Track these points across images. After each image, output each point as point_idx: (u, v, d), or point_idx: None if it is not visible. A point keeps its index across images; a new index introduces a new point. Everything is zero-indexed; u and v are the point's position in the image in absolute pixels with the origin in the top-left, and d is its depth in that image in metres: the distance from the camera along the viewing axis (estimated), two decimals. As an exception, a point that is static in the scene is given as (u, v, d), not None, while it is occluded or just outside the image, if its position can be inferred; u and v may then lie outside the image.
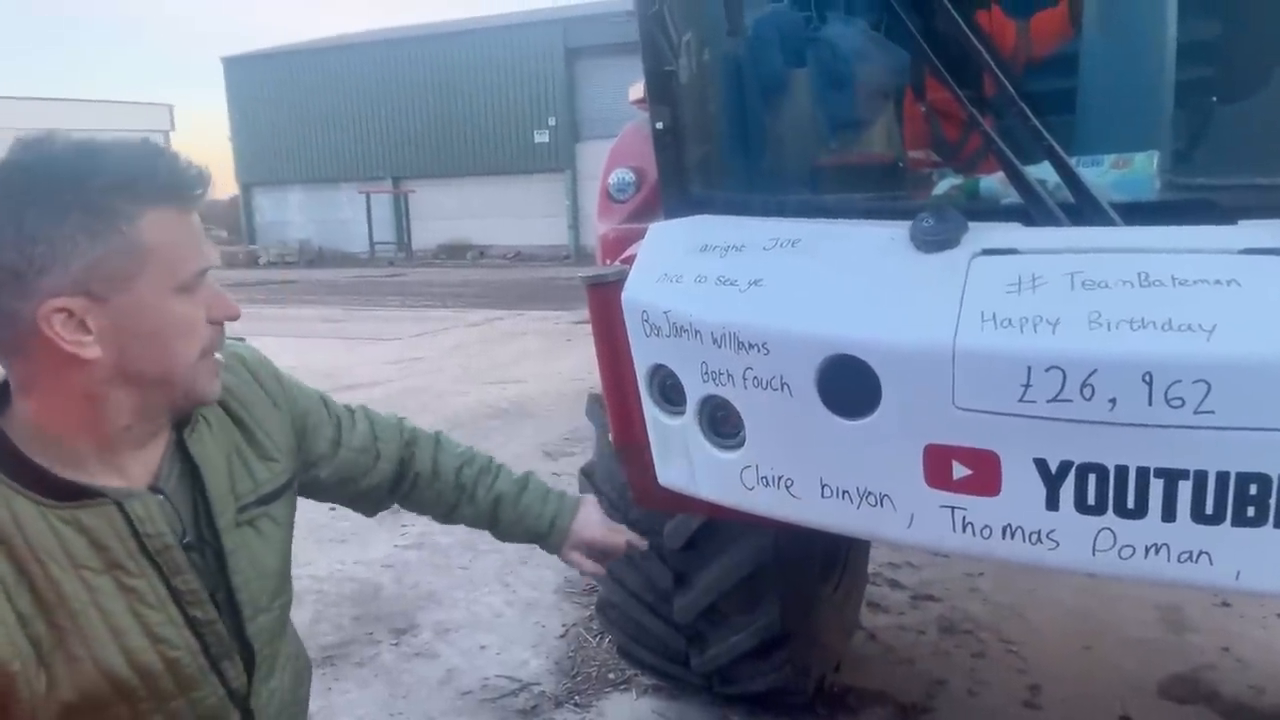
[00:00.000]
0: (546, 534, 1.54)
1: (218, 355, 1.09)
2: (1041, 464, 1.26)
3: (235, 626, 1.14)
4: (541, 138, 24.01)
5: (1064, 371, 1.19)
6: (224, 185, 28.92)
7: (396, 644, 3.52)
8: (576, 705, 3.07)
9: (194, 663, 1.08)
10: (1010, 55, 2.43)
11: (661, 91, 1.78)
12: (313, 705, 1.38)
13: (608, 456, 2.45)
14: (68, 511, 1.00)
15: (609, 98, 20.68)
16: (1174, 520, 1.21)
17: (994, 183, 1.59)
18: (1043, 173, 1.42)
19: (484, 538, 4.61)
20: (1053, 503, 1.27)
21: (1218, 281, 1.18)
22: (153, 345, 1.00)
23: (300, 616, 3.55)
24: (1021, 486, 1.28)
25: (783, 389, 1.44)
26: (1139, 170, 1.47)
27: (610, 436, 2.04)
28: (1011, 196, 1.46)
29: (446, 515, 1.53)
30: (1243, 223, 1.28)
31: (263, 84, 27.15)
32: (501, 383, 8.18)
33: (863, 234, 1.48)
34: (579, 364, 8.55)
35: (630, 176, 2.51)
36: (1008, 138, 1.46)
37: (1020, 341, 1.22)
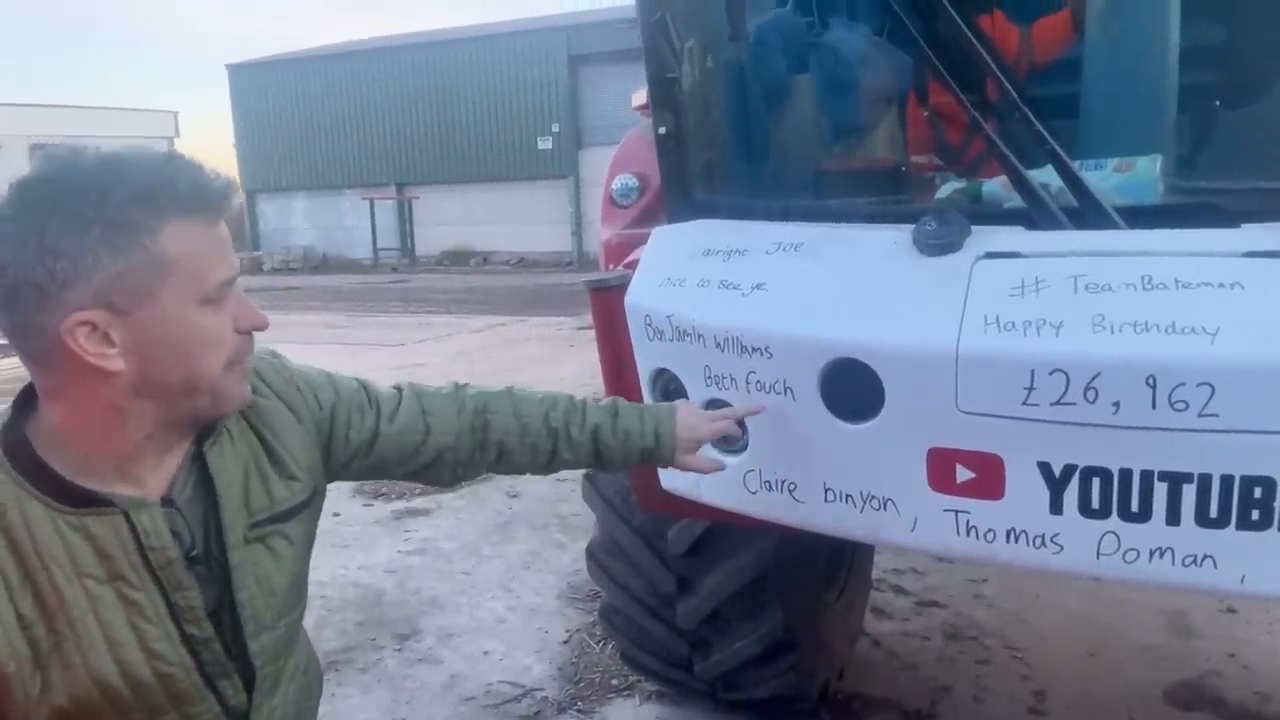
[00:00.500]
0: (655, 447, 1.46)
1: (246, 363, 1.09)
2: (1045, 467, 1.25)
3: (238, 643, 1.13)
4: (545, 144, 24.04)
5: (1067, 375, 1.19)
6: (228, 192, 28.84)
7: (399, 649, 3.51)
8: (579, 711, 3.07)
9: (188, 679, 1.08)
10: (1013, 60, 2.43)
11: (664, 97, 1.79)
12: (317, 710, 1.38)
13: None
14: (77, 518, 1.00)
15: (612, 104, 20.71)
16: (1178, 524, 1.21)
17: (996, 186, 1.59)
18: (1046, 176, 1.42)
19: (487, 543, 4.59)
20: (1057, 506, 1.26)
21: (1221, 284, 1.18)
22: (177, 357, 1.00)
23: (304, 622, 3.55)
24: (1025, 490, 1.28)
25: (786, 393, 1.44)
26: (1142, 174, 1.47)
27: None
28: (1014, 200, 1.46)
29: (546, 465, 1.46)
30: (1246, 226, 1.28)
31: (267, 91, 27.23)
32: (505, 389, 8.18)
33: (866, 238, 1.48)
34: (582, 370, 8.54)
35: (633, 182, 2.52)
36: (1010, 142, 1.46)
37: (1024, 345, 1.22)
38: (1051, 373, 1.20)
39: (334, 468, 1.29)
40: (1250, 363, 1.13)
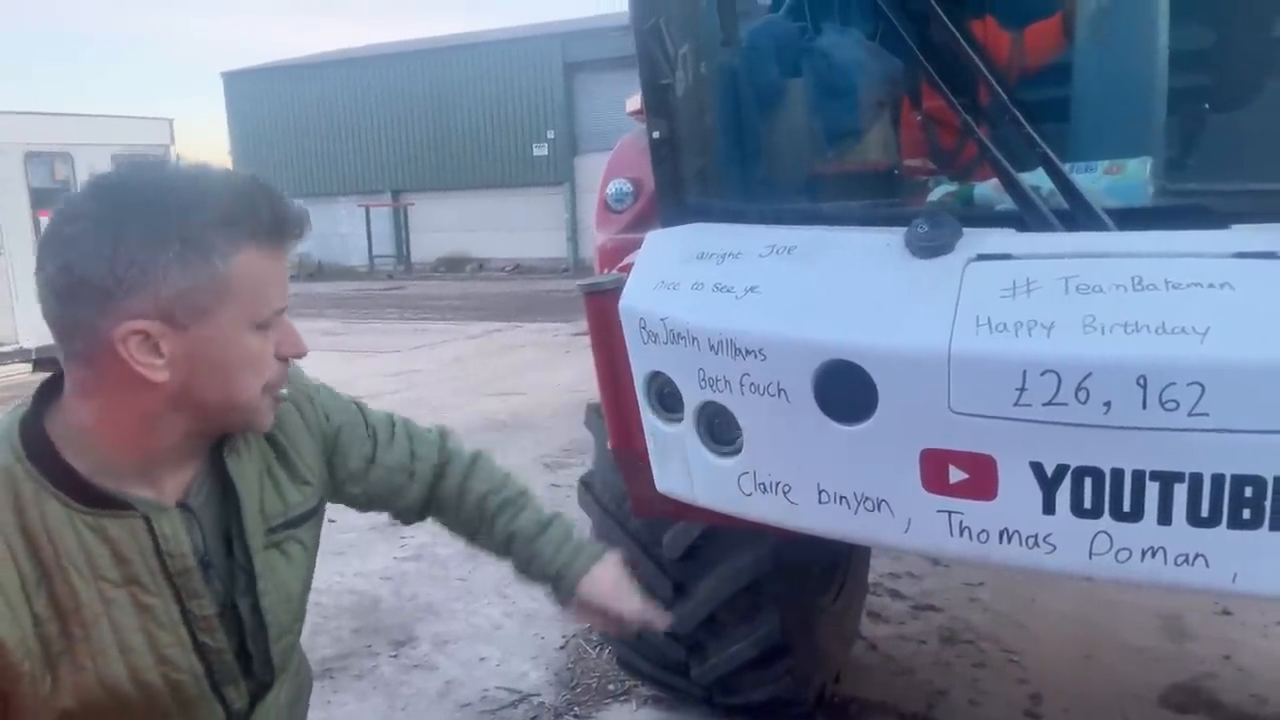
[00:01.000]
0: (555, 582, 1.42)
1: (283, 391, 1.10)
2: (1038, 467, 1.26)
3: (258, 648, 1.14)
4: (540, 151, 24.08)
5: (1059, 375, 1.20)
6: (224, 199, 28.83)
7: (395, 656, 3.51)
8: (576, 717, 3.06)
9: (196, 686, 1.08)
10: (1005, 65, 2.44)
11: (658, 103, 1.80)
12: (311, 717, 1.38)
13: (606, 466, 2.45)
14: (95, 519, 1.00)
15: (607, 111, 20.75)
16: (1170, 523, 1.21)
17: (988, 189, 1.60)
18: (1036, 179, 1.43)
19: (483, 549, 4.53)
20: (1049, 506, 1.27)
21: (1211, 285, 1.19)
22: (219, 376, 1.01)
23: (299, 629, 3.54)
24: (1018, 490, 1.28)
25: (780, 395, 1.45)
26: (1132, 176, 1.48)
27: (609, 444, 2.04)
28: (1005, 203, 1.47)
29: (469, 540, 1.47)
30: (1236, 227, 1.29)
31: (262, 98, 27.26)
32: (501, 395, 8.18)
33: (858, 240, 1.49)
34: (578, 376, 8.54)
35: (628, 187, 2.53)
36: (1002, 145, 1.47)
37: (1015, 345, 1.23)
38: (1043, 373, 1.21)
39: (334, 484, 1.30)
40: (1240, 362, 1.14)
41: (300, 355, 1.11)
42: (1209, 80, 1.87)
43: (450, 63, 24.93)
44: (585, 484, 2.69)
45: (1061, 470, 1.25)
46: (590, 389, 2.14)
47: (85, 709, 1.02)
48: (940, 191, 1.76)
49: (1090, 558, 1.26)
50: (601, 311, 1.83)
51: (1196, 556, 1.22)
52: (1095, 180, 1.48)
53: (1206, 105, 1.79)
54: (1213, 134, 1.77)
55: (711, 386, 1.56)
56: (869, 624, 3.51)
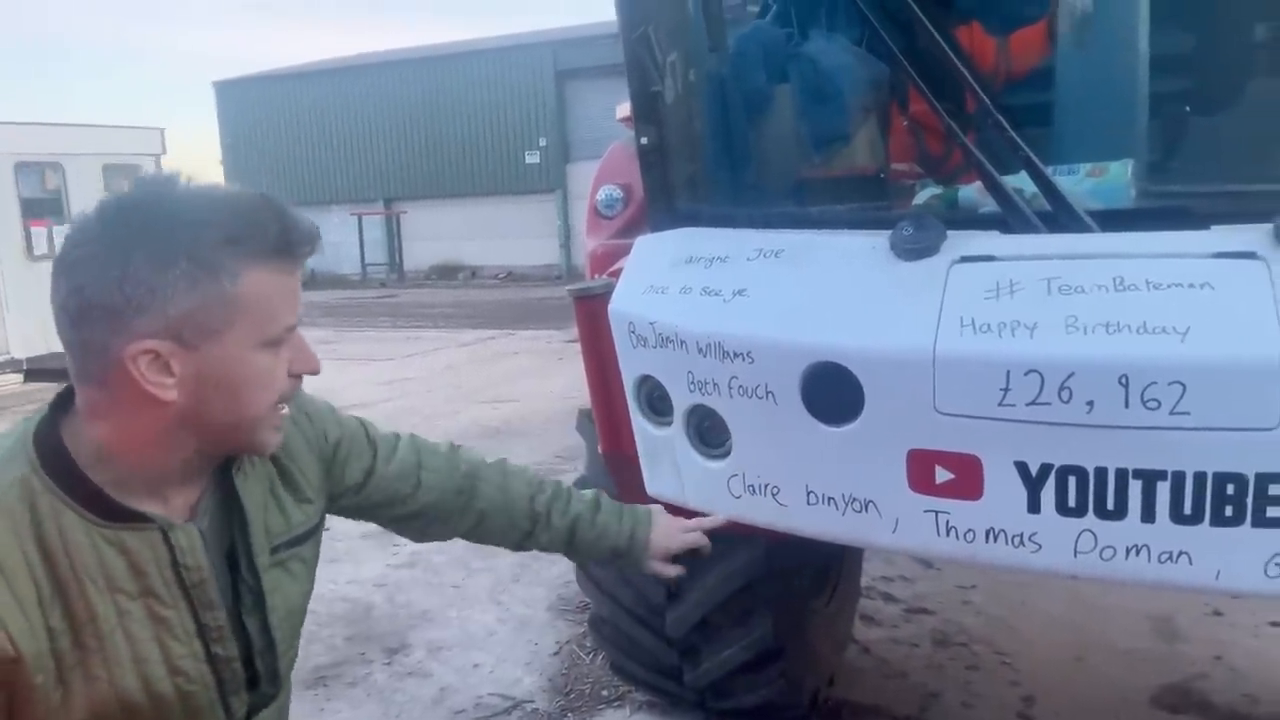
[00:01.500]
0: (626, 550, 1.52)
1: (285, 409, 1.10)
2: (1022, 467, 1.27)
3: (269, 663, 1.15)
4: (532, 159, 24.09)
5: (1042, 375, 1.21)
6: (216, 209, 28.75)
7: (389, 663, 3.50)
8: (570, 722, 3.06)
9: (206, 697, 1.09)
10: (990, 71, 2.46)
11: (647, 110, 1.81)
12: (306, 725, 1.39)
13: (598, 470, 2.46)
14: (113, 532, 1.00)
15: (599, 119, 20.79)
16: (1153, 521, 1.22)
17: (972, 192, 1.61)
18: (1020, 182, 1.44)
19: (476, 556, 4.57)
20: (1034, 505, 1.28)
21: (1191, 285, 1.21)
22: (229, 394, 1.01)
23: (291, 637, 3.53)
24: (1003, 490, 1.29)
25: (767, 397, 1.46)
26: (1114, 178, 1.49)
27: (599, 448, 2.04)
28: (989, 205, 1.48)
29: (518, 544, 1.51)
30: (1216, 228, 1.31)
31: (254, 107, 27.22)
32: (494, 402, 8.17)
33: (844, 244, 1.50)
34: (571, 382, 8.54)
35: (618, 193, 2.54)
36: (986, 148, 1.49)
37: (999, 346, 1.24)
38: (1026, 373, 1.22)
39: (331, 497, 1.31)
40: (1220, 361, 1.15)
41: (314, 372, 1.11)
42: (1190, 84, 1.89)
43: (442, 71, 24.94)
44: (577, 489, 2.69)
45: (1046, 469, 1.26)
46: (583, 395, 2.15)
47: (95, 718, 1.02)
48: (925, 195, 1.78)
49: (1075, 556, 1.27)
50: (591, 316, 1.84)
51: (1180, 554, 1.23)
52: (1078, 183, 1.49)
53: (1188, 108, 1.81)
54: (1194, 137, 1.79)
55: (700, 389, 1.57)
56: (862, 627, 3.52)
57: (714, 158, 1.96)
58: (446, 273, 25.04)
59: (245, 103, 27.41)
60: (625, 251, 1.84)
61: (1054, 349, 1.21)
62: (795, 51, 2.01)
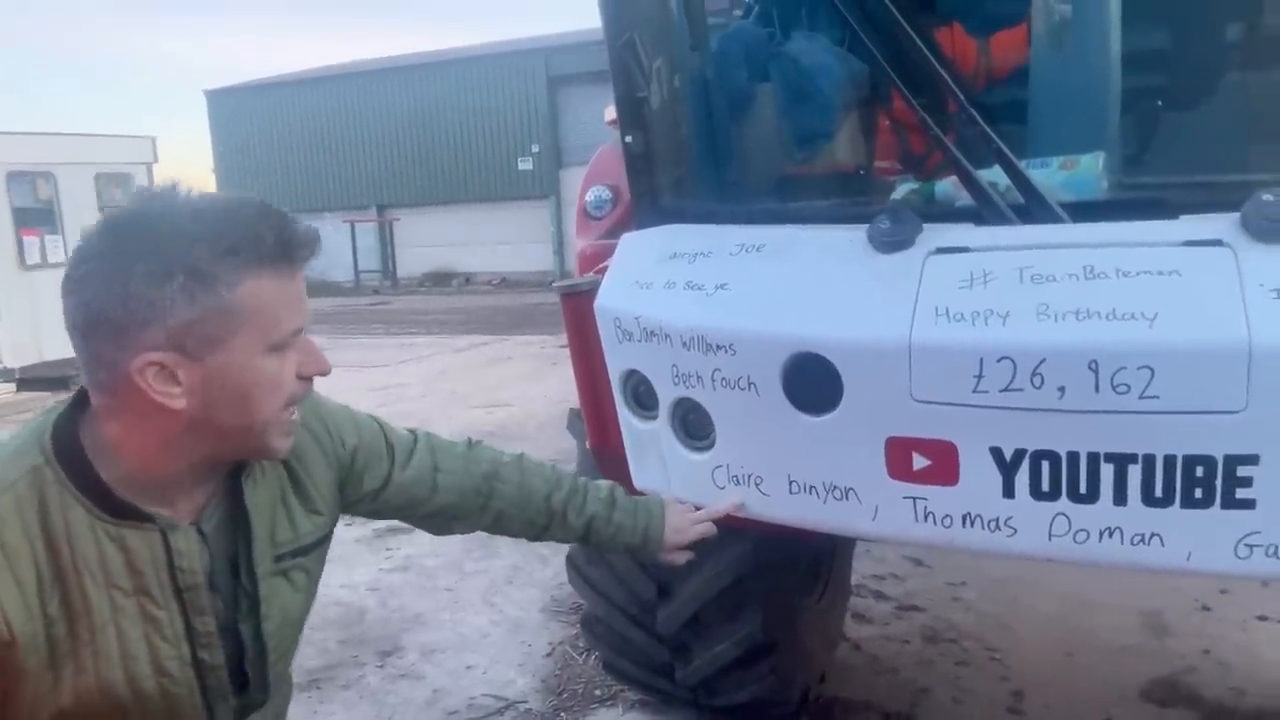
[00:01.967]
0: (640, 545, 1.58)
1: (295, 413, 1.11)
2: (997, 452, 1.29)
3: (260, 670, 1.16)
4: (525, 165, 24.12)
5: (1014, 362, 1.23)
6: (209, 218, 28.68)
7: (382, 666, 3.50)
8: (562, 722, 3.07)
9: (190, 700, 1.10)
10: (972, 71, 2.49)
11: (632, 114, 1.84)
12: (299, 728, 1.40)
13: (588, 467, 2.47)
14: (115, 528, 1.03)
15: (591, 124, 20.82)
16: (1125, 504, 1.25)
17: (948, 186, 1.64)
18: (994, 175, 1.47)
19: (470, 559, 4.57)
20: (1009, 490, 1.30)
21: (1160, 272, 1.23)
22: (237, 400, 1.03)
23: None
24: (978, 475, 1.32)
25: (749, 388, 1.48)
26: (1085, 170, 1.52)
27: (587, 443, 2.06)
28: (965, 199, 1.51)
29: (537, 536, 1.55)
30: (1185, 217, 1.34)
31: (246, 116, 27.22)
32: (487, 406, 8.18)
33: (824, 237, 1.53)
34: (565, 387, 8.53)
35: (607, 194, 2.56)
36: (962, 144, 1.51)
37: (972, 334, 1.26)
38: (999, 360, 1.24)
39: (343, 504, 1.32)
40: (1187, 345, 1.18)
41: (323, 373, 1.12)
42: (1162, 79, 1.92)
43: (434, 78, 24.98)
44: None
45: (1019, 454, 1.28)
46: (575, 397, 2.16)
47: (81, 710, 1.04)
48: (904, 189, 1.80)
49: (1050, 540, 1.29)
50: (578, 313, 1.86)
51: (1152, 536, 1.25)
52: (1050, 175, 1.52)
53: (1160, 102, 1.84)
54: (1165, 129, 1.82)
55: (684, 383, 1.59)
56: (853, 625, 3.54)
57: (697, 156, 1.99)
58: (440, 279, 25.04)
59: (237, 111, 27.41)
60: (613, 251, 1.86)
61: (1025, 336, 1.24)
62: (777, 51, 2.04)
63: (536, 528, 1.52)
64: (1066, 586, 3.65)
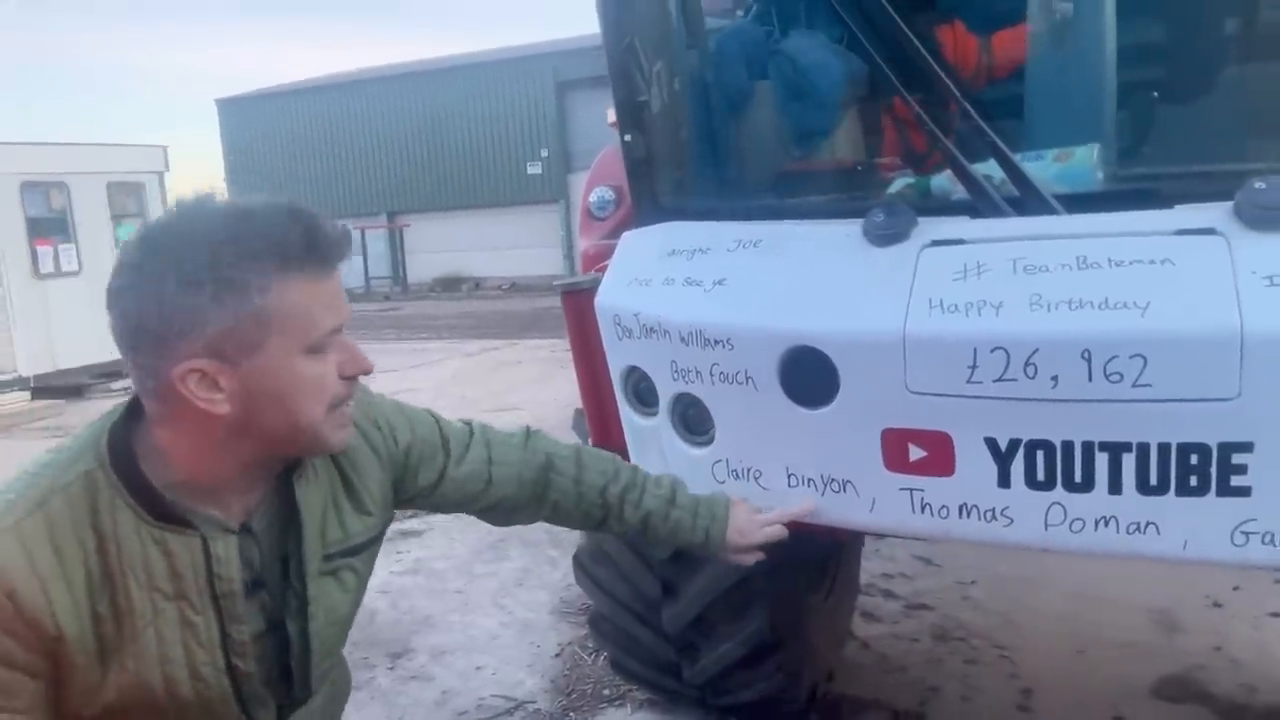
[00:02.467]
0: (702, 545, 1.53)
1: (349, 407, 1.12)
2: (991, 443, 1.30)
3: (303, 669, 1.18)
4: (534, 169, 24.20)
5: (1008, 352, 1.24)
6: (221, 226, 28.94)
7: (392, 668, 3.52)
8: (571, 721, 3.08)
9: (225, 706, 1.12)
10: (973, 68, 2.50)
11: (632, 117, 1.85)
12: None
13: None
14: (159, 532, 1.05)
15: (600, 128, 20.84)
16: (1120, 493, 1.25)
17: (944, 180, 1.65)
18: (989, 169, 1.47)
19: (479, 561, 4.59)
20: (1004, 480, 1.31)
21: (1152, 261, 1.24)
22: (280, 403, 1.04)
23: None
24: (974, 466, 1.32)
25: (747, 382, 1.49)
26: (1079, 162, 1.52)
27: (589, 441, 2.08)
28: (960, 192, 1.51)
29: (595, 528, 1.54)
30: (1179, 207, 1.34)
31: (257, 124, 27.43)
32: (498, 410, 8.21)
33: (820, 232, 1.54)
34: (573, 389, 8.53)
35: (610, 195, 2.58)
36: (957, 138, 1.52)
37: (966, 325, 1.27)
38: (993, 350, 1.25)
39: (398, 501, 1.34)
40: (1179, 333, 1.18)
41: (365, 372, 1.13)
42: (1158, 71, 1.92)
43: (443, 84, 25.10)
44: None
45: (1014, 444, 1.29)
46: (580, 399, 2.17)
47: (124, 706, 1.07)
48: (899, 184, 1.81)
49: (1046, 529, 1.30)
50: (579, 311, 1.88)
51: (1148, 524, 1.25)
52: (1045, 168, 1.52)
53: (1155, 94, 1.84)
54: (1159, 121, 1.82)
55: (684, 378, 1.60)
56: (861, 624, 3.53)
57: (696, 154, 2.00)
58: (450, 285, 25.12)
59: (248, 119, 27.62)
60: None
61: (1018, 326, 1.24)
62: (775, 49, 2.05)
63: (593, 520, 1.51)
64: (1076, 584, 3.64)
